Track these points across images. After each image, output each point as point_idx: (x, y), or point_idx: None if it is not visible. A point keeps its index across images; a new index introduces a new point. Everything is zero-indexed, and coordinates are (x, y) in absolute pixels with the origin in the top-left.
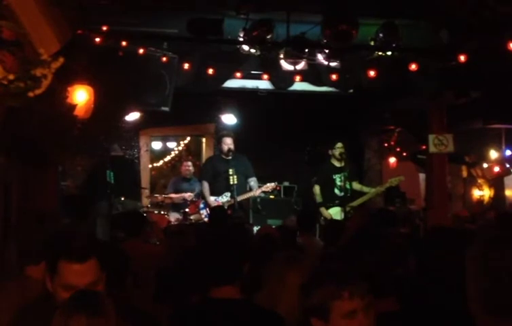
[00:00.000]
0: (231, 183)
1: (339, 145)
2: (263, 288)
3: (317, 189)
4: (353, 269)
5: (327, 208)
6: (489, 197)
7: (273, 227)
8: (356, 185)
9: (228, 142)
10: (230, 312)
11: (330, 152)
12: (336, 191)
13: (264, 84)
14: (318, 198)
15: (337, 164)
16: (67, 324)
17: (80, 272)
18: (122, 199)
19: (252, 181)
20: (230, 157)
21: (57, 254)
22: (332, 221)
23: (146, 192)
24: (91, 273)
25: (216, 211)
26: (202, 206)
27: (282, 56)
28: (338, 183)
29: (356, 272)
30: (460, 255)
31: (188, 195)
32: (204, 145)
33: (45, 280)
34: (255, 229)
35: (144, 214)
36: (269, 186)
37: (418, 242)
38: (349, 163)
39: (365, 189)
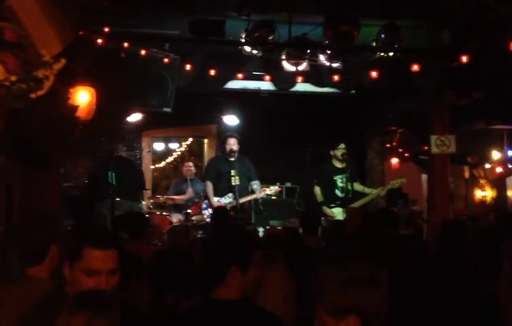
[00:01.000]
0: (234, 184)
1: (341, 145)
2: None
3: (317, 189)
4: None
5: (329, 208)
6: (492, 197)
7: (279, 228)
8: (358, 186)
9: (231, 143)
10: (232, 313)
11: (332, 153)
12: (337, 192)
13: (266, 85)
14: (319, 198)
15: (338, 165)
16: (71, 321)
17: (103, 258)
18: (118, 200)
19: (255, 184)
20: (233, 158)
21: (83, 240)
22: (333, 222)
23: (148, 193)
24: (112, 260)
25: (219, 212)
26: (204, 206)
27: (283, 56)
28: (339, 184)
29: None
30: None
31: (189, 192)
32: (206, 146)
33: (49, 277)
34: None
35: (146, 215)
36: (273, 189)
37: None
38: (350, 164)
39: (367, 190)
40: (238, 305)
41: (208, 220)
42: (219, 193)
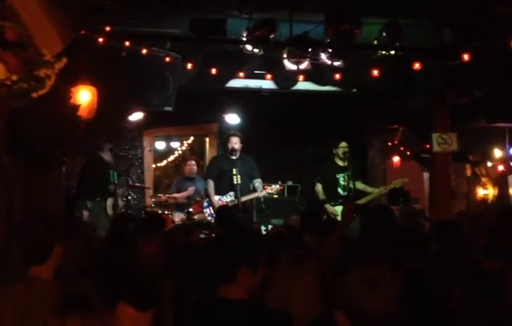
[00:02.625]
0: (235, 182)
1: (343, 144)
2: (271, 289)
3: (319, 187)
4: None
5: (331, 205)
6: (494, 196)
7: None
8: (360, 185)
9: (233, 142)
10: (237, 312)
11: (334, 151)
12: (339, 190)
13: (267, 84)
14: (321, 195)
15: (340, 163)
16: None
17: (140, 320)
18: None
19: (257, 182)
20: (235, 157)
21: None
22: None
23: (150, 192)
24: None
25: (222, 211)
26: (205, 205)
27: (285, 55)
28: (341, 183)
29: None
30: None
31: (191, 189)
32: (207, 144)
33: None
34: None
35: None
36: (274, 188)
37: None
38: (352, 162)
39: (369, 188)
40: (247, 305)
41: (210, 218)
42: (221, 191)
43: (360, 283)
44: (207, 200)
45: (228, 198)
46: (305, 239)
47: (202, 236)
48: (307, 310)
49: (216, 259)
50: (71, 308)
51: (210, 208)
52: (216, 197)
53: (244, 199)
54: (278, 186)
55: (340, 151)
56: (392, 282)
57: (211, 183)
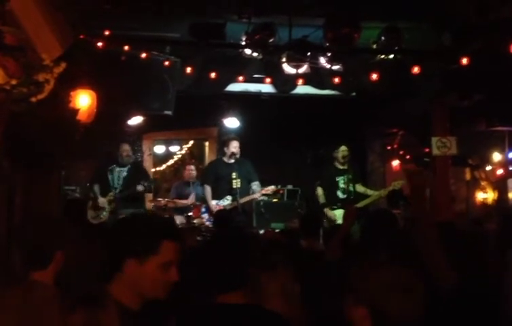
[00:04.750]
0: (235, 186)
1: (343, 148)
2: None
3: (320, 190)
4: None
5: (331, 209)
6: (493, 199)
7: (277, 231)
8: (360, 188)
9: (234, 146)
10: (238, 317)
11: (333, 155)
12: (339, 193)
13: (267, 88)
14: (321, 199)
15: (340, 166)
16: (69, 319)
17: (178, 250)
18: None
19: (255, 185)
20: (233, 161)
21: (162, 235)
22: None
23: (149, 196)
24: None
25: (220, 215)
26: (203, 210)
27: (284, 59)
28: (341, 185)
29: None
30: None
31: (190, 200)
32: (207, 148)
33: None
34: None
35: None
36: (270, 189)
37: None
38: (352, 165)
39: (369, 191)
40: (248, 310)
41: (208, 223)
42: (219, 196)
43: (392, 285)
44: (205, 205)
45: (225, 202)
46: (304, 243)
47: (199, 238)
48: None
49: (222, 265)
50: (76, 302)
51: (208, 213)
52: (213, 202)
53: (242, 201)
54: (273, 187)
55: (340, 155)
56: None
57: (208, 189)
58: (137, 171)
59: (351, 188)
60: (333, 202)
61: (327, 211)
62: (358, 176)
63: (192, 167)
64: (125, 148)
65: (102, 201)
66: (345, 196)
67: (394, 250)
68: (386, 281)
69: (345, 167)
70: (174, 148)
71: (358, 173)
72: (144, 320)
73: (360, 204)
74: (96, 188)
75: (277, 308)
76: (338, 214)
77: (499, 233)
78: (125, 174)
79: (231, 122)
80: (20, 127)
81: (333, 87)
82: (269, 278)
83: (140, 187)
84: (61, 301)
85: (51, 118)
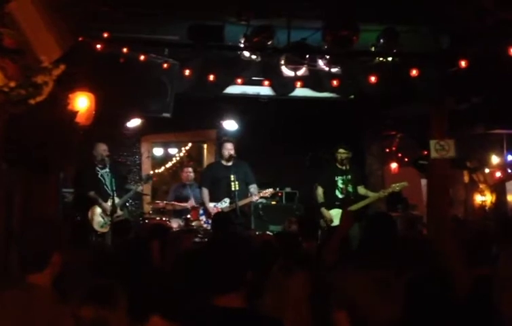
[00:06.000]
0: (233, 188)
1: (342, 149)
2: (265, 297)
3: (320, 190)
4: None
5: (328, 209)
6: (491, 202)
7: (272, 234)
8: (362, 190)
9: (228, 148)
10: (234, 320)
11: (334, 156)
12: (337, 193)
13: (265, 90)
14: (320, 199)
15: (340, 166)
16: (78, 314)
17: None
18: None
19: (253, 188)
20: (231, 163)
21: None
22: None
23: (147, 199)
24: None
25: (218, 217)
26: (201, 212)
27: (282, 61)
28: (340, 185)
29: None
30: None
31: (191, 201)
32: (205, 151)
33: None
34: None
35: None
36: (268, 192)
37: None
38: (352, 167)
39: (370, 193)
40: (243, 313)
41: (206, 226)
42: (216, 198)
43: (369, 285)
44: (203, 207)
45: (223, 204)
46: (304, 246)
47: (197, 239)
48: (297, 323)
49: (219, 267)
50: (86, 297)
51: (205, 215)
52: (211, 205)
53: (240, 203)
54: (271, 190)
55: (338, 157)
56: (399, 288)
57: (205, 191)
58: (117, 168)
59: (350, 189)
60: (331, 202)
61: (324, 211)
62: (360, 179)
63: (190, 169)
64: (104, 147)
65: (107, 207)
66: (343, 196)
67: (389, 253)
68: (364, 282)
69: (345, 168)
70: (172, 150)
71: (360, 175)
72: None
73: (358, 205)
74: (93, 194)
75: (300, 313)
76: (335, 214)
77: (497, 236)
78: (110, 174)
79: (230, 125)
80: (18, 129)
81: (331, 89)
82: (293, 283)
83: (140, 188)
84: (59, 302)
85: (49, 120)
